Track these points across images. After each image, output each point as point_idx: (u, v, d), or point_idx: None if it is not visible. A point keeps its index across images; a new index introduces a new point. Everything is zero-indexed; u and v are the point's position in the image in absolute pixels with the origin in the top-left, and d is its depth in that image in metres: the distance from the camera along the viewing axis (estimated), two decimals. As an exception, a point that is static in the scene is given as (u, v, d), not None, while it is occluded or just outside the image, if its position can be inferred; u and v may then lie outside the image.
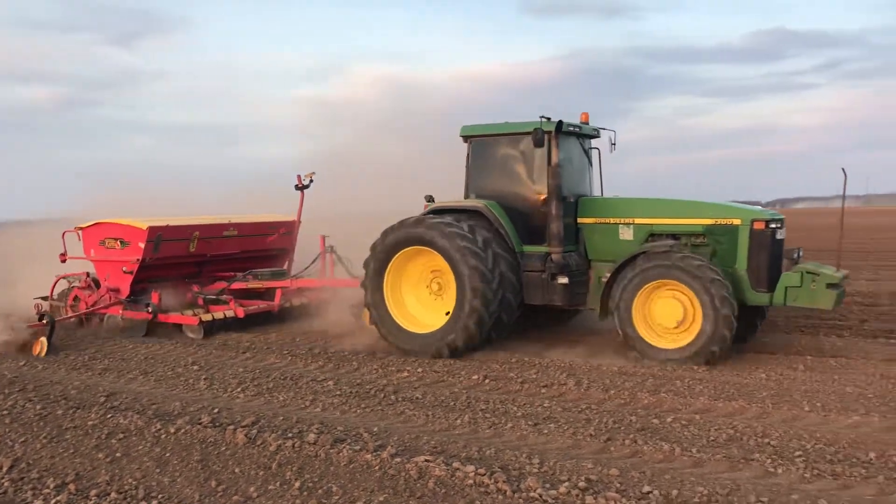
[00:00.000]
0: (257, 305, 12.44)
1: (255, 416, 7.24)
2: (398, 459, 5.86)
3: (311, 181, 13.30)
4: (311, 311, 12.49)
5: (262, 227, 13.61)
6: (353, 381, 8.71)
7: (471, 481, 5.42)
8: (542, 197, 9.99)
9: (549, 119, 9.86)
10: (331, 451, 6.15)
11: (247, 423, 6.91)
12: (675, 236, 9.74)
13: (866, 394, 7.72)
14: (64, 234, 12.77)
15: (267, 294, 12.83)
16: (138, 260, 11.77)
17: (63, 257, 12.79)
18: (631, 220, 9.94)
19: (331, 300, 12.22)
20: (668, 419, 6.96)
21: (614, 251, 9.89)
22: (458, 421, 7.11)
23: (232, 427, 6.77)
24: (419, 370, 9.20)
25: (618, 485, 5.33)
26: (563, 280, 9.80)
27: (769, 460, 5.85)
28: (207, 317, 11.85)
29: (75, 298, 12.81)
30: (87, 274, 12.72)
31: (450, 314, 9.87)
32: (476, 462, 5.81)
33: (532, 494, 5.16)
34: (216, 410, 7.50)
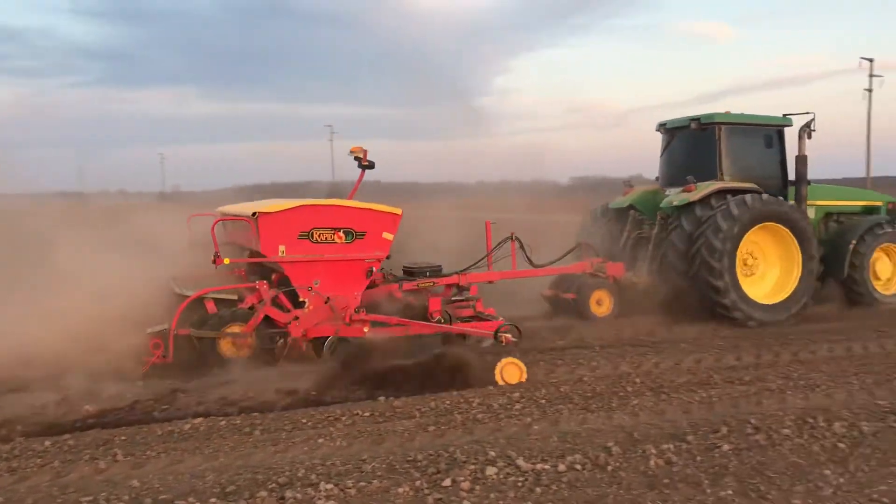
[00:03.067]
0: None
1: None
2: None
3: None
4: None
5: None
6: None
7: None
8: (781, 181, 12.01)
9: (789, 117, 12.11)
10: None
11: None
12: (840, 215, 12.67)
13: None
14: (214, 224, 8.67)
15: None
16: (383, 257, 8.85)
17: (219, 260, 8.40)
18: (813, 203, 12.26)
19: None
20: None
21: None
22: None
23: None
24: None
25: None
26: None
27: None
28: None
29: (263, 322, 8.45)
30: (267, 284, 8.65)
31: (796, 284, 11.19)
32: None
33: None
34: None
